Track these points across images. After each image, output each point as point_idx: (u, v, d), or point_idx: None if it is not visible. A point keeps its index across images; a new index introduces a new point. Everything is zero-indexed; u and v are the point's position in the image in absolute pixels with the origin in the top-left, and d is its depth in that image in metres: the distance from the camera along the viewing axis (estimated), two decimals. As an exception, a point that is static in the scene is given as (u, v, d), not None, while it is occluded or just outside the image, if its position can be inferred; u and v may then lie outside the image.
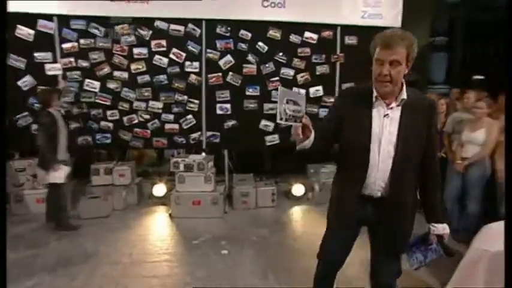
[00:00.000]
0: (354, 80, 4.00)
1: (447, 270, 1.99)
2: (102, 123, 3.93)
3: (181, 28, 3.89)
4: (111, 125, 3.95)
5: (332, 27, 4.09)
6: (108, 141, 3.98)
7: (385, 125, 1.42)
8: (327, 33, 4.10)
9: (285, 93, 1.25)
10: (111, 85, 3.88)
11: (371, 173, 1.44)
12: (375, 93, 1.42)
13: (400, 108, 1.42)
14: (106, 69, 3.85)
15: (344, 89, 1.93)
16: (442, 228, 1.50)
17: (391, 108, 1.42)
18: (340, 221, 1.59)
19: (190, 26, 3.89)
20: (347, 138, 1.47)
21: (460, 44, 6.60)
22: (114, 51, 3.84)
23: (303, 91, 3.92)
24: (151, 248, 3.03)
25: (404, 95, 1.41)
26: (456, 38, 6.83)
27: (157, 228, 3.49)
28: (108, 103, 3.90)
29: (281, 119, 1.23)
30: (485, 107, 3.00)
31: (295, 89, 3.96)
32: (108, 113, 3.93)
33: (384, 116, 1.42)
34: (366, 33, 3.96)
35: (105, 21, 3.79)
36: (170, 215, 3.74)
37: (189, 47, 3.93)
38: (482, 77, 7.64)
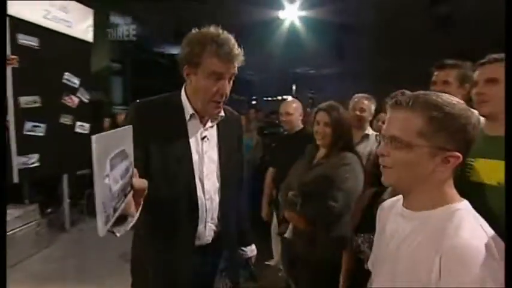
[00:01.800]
0: (37, 92, 3.12)
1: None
2: None
3: None
4: None
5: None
6: None
7: (205, 150, 1.14)
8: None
9: (106, 148, 0.54)
10: None
11: (200, 215, 1.11)
12: (189, 111, 1.10)
13: (215, 127, 1.18)
14: None
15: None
16: (251, 251, 1.41)
17: (206, 128, 1.16)
18: None
19: None
20: (159, 174, 1.05)
21: (129, 75, 7.58)
22: None
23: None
24: None
25: (222, 112, 1.17)
26: (127, 69, 7.71)
27: None
28: None
29: (106, 221, 0.53)
30: None
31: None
32: None
33: (202, 138, 1.14)
34: (50, 36, 3.28)
35: None
36: None
37: None
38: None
